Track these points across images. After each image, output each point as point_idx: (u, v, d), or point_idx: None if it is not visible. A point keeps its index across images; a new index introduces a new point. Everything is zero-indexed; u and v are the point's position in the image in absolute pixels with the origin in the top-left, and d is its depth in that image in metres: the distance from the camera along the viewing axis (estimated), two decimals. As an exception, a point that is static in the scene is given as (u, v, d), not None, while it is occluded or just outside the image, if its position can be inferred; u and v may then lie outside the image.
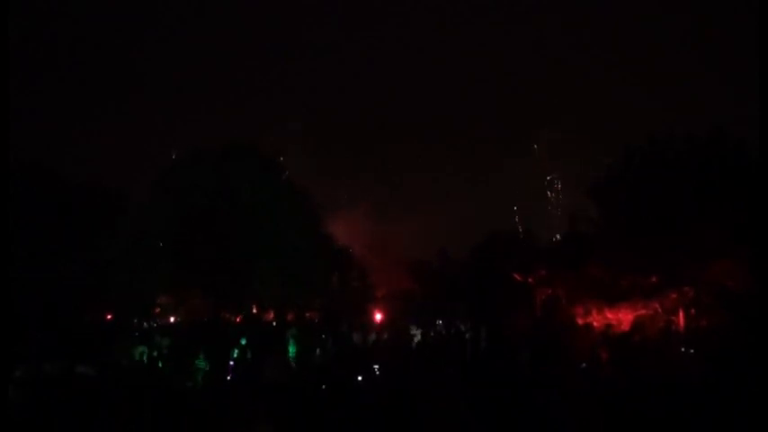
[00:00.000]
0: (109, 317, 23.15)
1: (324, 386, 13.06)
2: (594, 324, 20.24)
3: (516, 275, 25.03)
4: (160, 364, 19.17)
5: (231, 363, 19.41)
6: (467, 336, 20.65)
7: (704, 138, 18.71)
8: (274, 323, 23.39)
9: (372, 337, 21.90)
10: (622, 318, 19.57)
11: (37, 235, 18.48)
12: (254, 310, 23.73)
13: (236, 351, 21.39)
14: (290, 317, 23.41)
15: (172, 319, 24.78)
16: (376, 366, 16.08)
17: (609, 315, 20.00)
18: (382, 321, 27.85)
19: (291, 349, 19.98)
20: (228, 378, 18.41)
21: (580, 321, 20.53)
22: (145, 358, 20.30)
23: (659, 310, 18.87)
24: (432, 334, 22.84)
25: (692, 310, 18.17)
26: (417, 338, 19.35)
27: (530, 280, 24.15)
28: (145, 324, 24.29)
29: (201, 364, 19.37)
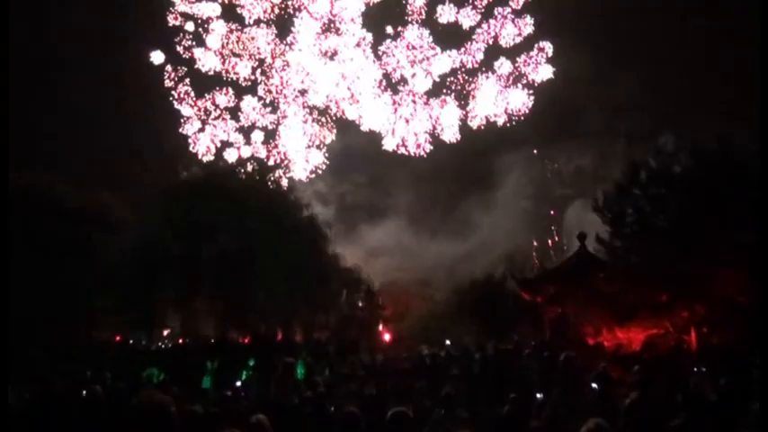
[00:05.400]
0: (118, 338, 23.25)
1: (332, 408, 12.95)
2: (605, 344, 20.03)
3: (525, 294, 24.91)
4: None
5: (239, 384, 19.32)
6: (476, 356, 20.43)
7: (711, 149, 18.48)
8: (282, 344, 23.36)
9: (380, 357, 21.79)
10: (633, 337, 19.36)
11: (43, 251, 18.59)
12: (262, 331, 23.76)
13: (244, 373, 21.32)
14: (298, 337, 23.39)
15: (180, 341, 24.84)
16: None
17: (619, 335, 19.79)
18: (390, 342, 27.72)
19: (300, 371, 19.87)
20: (236, 400, 18.27)
21: (590, 341, 20.33)
22: (155, 380, 20.23)
23: (670, 328, 18.66)
24: (441, 354, 22.65)
25: (704, 329, 17.93)
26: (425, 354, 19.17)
27: (538, 299, 24.01)
28: (153, 346, 24.36)
29: (207, 384, 19.28)
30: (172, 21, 38.53)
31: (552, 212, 43.63)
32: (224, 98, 39.21)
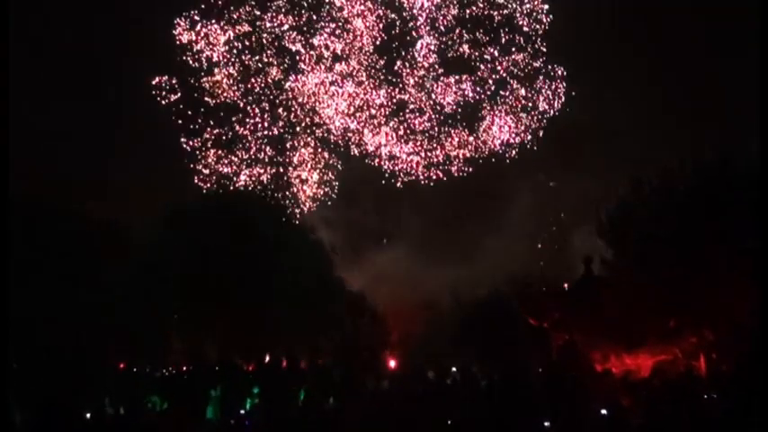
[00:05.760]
0: (122, 366, 23.03)
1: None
2: (614, 370, 19.72)
3: (531, 320, 24.62)
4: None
5: (243, 412, 19.17)
6: (482, 383, 20.17)
7: (712, 167, 18.38)
8: (287, 371, 23.10)
9: (385, 384, 21.51)
10: (641, 363, 19.07)
11: (47, 271, 18.46)
12: (267, 358, 23.52)
13: (248, 400, 21.13)
14: (302, 364, 23.14)
15: (184, 368, 24.58)
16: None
17: (628, 361, 19.50)
18: (396, 367, 27.37)
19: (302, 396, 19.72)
20: (240, 428, 18.12)
21: (599, 368, 20.02)
22: (158, 408, 20.08)
23: (679, 354, 18.39)
24: (448, 382, 22.40)
25: (713, 355, 17.65)
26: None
27: (545, 325, 23.75)
28: (158, 373, 24.09)
29: (211, 414, 19.11)
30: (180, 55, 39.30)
31: (555, 229, 43.49)
32: (233, 127, 39.74)
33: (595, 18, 38.82)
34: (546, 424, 12.27)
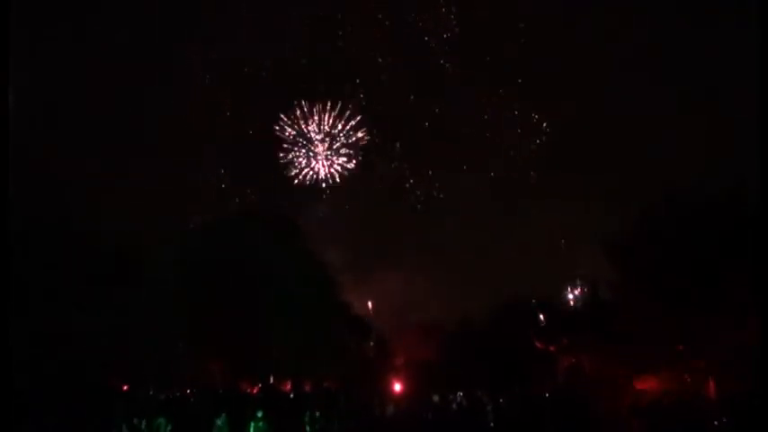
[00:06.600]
0: (125, 387, 23.01)
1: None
2: (622, 394, 19.49)
3: (538, 344, 24.46)
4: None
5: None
6: (488, 408, 19.96)
7: (722, 194, 18.37)
8: (291, 395, 22.99)
9: (390, 409, 21.31)
10: (650, 387, 18.85)
11: (58, 292, 18.50)
12: (272, 380, 23.43)
13: (252, 424, 20.93)
14: (307, 387, 23.03)
15: (188, 391, 24.50)
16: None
17: (636, 384, 19.30)
18: (401, 392, 27.15)
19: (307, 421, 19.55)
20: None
21: (606, 391, 19.81)
22: (162, 430, 19.93)
23: (687, 378, 18.18)
24: (454, 406, 22.16)
25: (722, 378, 17.43)
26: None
27: (551, 349, 23.59)
28: (162, 395, 24.02)
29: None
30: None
31: (563, 253, 43.63)
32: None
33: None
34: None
